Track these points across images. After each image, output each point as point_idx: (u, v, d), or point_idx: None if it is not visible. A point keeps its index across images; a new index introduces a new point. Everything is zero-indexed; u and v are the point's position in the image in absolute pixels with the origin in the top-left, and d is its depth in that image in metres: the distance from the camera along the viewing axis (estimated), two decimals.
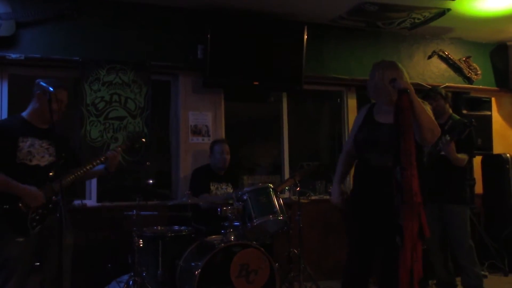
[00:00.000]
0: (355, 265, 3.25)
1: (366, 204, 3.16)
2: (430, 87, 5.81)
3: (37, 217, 3.10)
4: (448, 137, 4.07)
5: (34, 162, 3.18)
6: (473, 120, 4.12)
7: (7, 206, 3.03)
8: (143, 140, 3.81)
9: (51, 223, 3.15)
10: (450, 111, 4.49)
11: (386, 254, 3.10)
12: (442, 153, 4.15)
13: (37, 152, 3.20)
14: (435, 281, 4.67)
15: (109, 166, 3.50)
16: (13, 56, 4.41)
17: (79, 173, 3.29)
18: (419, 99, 2.99)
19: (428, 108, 3.06)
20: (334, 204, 3.44)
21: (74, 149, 3.51)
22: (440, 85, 5.95)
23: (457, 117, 4.51)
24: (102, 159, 3.45)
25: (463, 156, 4.21)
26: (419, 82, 5.91)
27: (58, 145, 3.29)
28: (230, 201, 4.12)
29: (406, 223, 2.71)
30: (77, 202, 4.55)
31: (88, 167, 3.36)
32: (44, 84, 3.04)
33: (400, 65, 3.13)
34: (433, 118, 2.99)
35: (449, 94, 4.57)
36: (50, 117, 2.96)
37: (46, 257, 3.23)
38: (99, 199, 4.87)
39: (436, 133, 2.97)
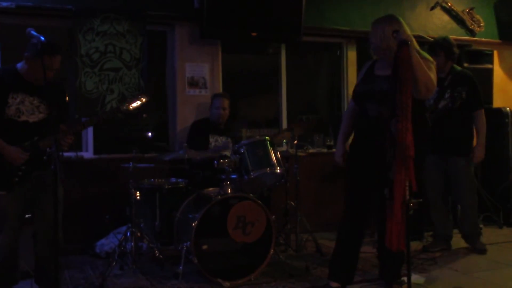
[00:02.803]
0: (349, 216, 3.32)
1: (360, 154, 3.29)
2: (432, 39, 5.70)
3: (20, 173, 3.07)
4: (448, 94, 4.11)
5: (23, 119, 3.11)
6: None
7: None
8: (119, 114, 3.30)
9: (42, 176, 3.13)
10: (450, 64, 4.34)
11: (380, 206, 3.13)
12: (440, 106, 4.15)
13: (26, 109, 3.12)
14: (430, 233, 4.72)
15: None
16: (4, 4, 4.28)
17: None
18: (428, 56, 3.09)
19: (432, 66, 3.09)
20: (336, 163, 3.49)
21: (67, 105, 3.36)
22: None
23: (458, 68, 4.40)
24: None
25: (480, 114, 4.30)
26: (421, 34, 5.78)
27: (50, 101, 3.17)
28: (227, 153, 4.11)
29: (397, 176, 2.71)
30: (73, 154, 4.51)
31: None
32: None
33: (399, 18, 3.12)
34: (429, 73, 2.98)
35: (454, 48, 4.36)
36: (43, 74, 2.73)
37: (37, 208, 3.22)
38: (96, 151, 4.85)
39: (430, 88, 3.02)
